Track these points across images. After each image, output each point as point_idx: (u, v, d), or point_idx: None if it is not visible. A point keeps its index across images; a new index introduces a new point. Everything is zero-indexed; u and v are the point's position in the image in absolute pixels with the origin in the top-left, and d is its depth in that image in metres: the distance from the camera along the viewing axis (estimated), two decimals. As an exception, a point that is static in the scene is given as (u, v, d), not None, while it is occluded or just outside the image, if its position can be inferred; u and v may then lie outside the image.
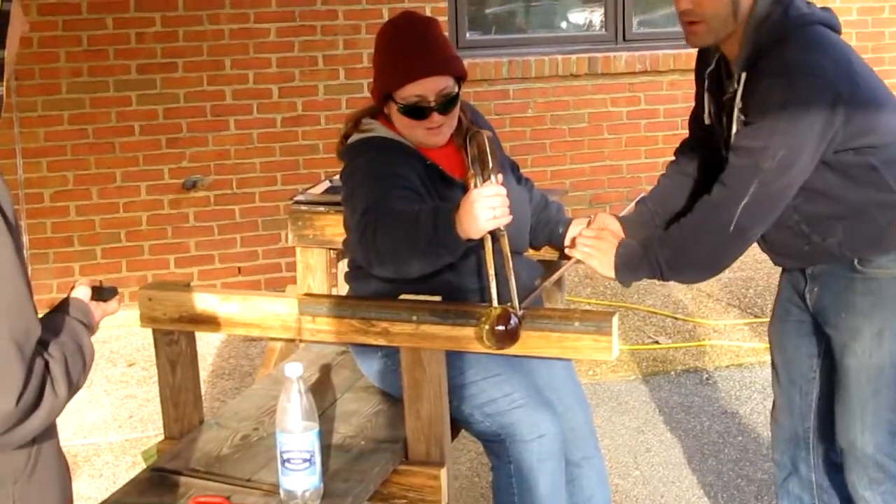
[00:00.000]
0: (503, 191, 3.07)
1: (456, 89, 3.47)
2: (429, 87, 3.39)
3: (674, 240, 3.33)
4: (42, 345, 2.06)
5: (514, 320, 3.03)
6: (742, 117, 3.20)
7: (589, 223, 3.69)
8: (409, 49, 3.43)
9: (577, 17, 8.59)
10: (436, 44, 3.48)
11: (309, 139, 7.40)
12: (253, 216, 7.42)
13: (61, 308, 2.29)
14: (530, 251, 3.83)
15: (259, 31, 7.29)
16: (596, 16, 8.40)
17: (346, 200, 3.48)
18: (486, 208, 3.02)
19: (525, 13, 8.72)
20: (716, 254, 3.27)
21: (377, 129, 3.52)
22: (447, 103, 3.43)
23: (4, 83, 2.12)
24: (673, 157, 3.84)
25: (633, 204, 3.79)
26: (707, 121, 3.46)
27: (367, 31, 7.32)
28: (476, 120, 3.69)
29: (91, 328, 2.32)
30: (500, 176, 3.22)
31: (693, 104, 3.62)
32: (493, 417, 3.37)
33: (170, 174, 7.22)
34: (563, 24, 8.60)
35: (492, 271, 3.15)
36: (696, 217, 3.28)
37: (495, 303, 3.13)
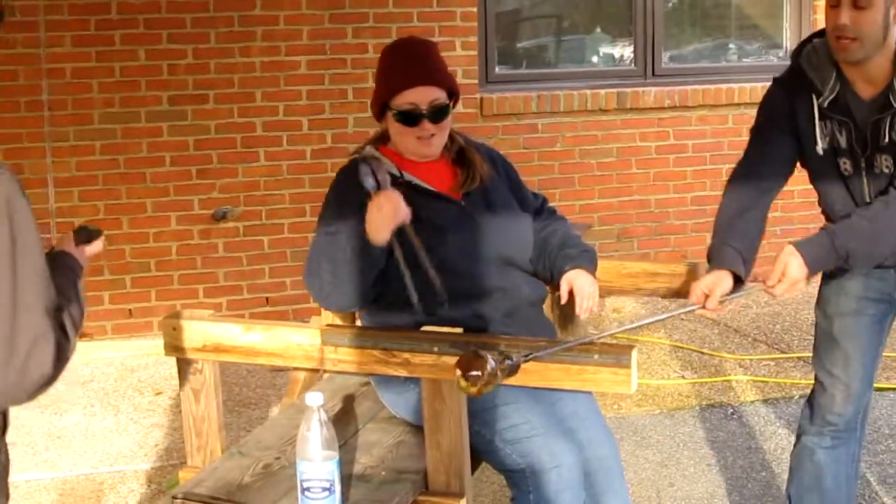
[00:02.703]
0: (392, 193, 3.37)
1: (448, 102, 3.70)
2: (421, 96, 3.63)
3: (862, 235, 3.53)
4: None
5: (490, 364, 3.00)
6: None
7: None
8: (404, 62, 3.72)
9: (607, 51, 8.62)
10: (430, 59, 3.76)
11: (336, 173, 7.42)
12: (282, 247, 7.46)
13: (55, 264, 2.45)
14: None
15: (290, 63, 7.35)
16: (626, 51, 8.43)
17: None
18: (376, 213, 3.32)
19: (554, 48, 8.76)
20: None
21: (366, 150, 3.75)
22: (437, 113, 3.66)
23: None
24: (732, 200, 3.87)
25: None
26: (820, 152, 3.67)
27: (396, 64, 7.35)
28: (480, 150, 3.90)
29: (82, 277, 2.58)
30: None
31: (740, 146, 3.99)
32: (514, 444, 3.39)
33: (200, 205, 7.28)
34: (593, 59, 8.64)
35: (403, 267, 3.40)
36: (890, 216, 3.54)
37: (414, 300, 3.41)
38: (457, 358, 3.03)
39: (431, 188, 3.70)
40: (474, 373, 2.98)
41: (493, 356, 3.01)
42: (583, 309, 3.67)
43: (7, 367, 2.16)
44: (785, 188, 3.81)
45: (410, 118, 3.64)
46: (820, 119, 3.64)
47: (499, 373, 3.00)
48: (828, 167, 3.70)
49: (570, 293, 3.68)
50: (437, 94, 3.65)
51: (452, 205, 3.68)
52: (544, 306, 3.87)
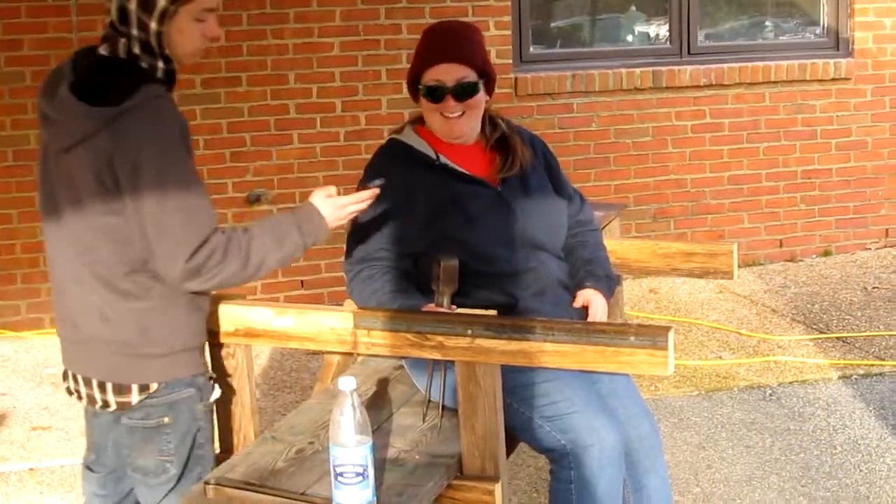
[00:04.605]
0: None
1: (476, 81, 3.69)
2: (447, 73, 3.65)
3: None
4: (245, 230, 2.96)
5: None
6: None
7: None
8: (437, 40, 3.76)
9: (642, 30, 8.55)
10: (463, 39, 3.75)
11: (372, 153, 7.40)
12: (316, 230, 7.43)
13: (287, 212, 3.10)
14: None
15: (323, 45, 7.33)
16: (662, 29, 8.36)
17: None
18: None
19: (589, 27, 8.70)
20: None
21: (405, 133, 3.84)
22: (463, 90, 3.66)
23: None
24: None
25: None
26: None
27: (430, 45, 7.33)
28: (522, 134, 3.89)
29: (301, 226, 3.08)
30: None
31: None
32: (553, 422, 3.38)
33: (234, 188, 7.27)
34: (628, 38, 8.58)
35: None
36: None
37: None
38: None
39: (467, 172, 3.71)
40: None
41: None
42: None
43: (160, 247, 2.82)
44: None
45: (435, 94, 3.66)
46: None
47: None
48: None
49: (584, 307, 3.76)
50: (465, 73, 3.65)
51: (488, 190, 3.69)
52: None
